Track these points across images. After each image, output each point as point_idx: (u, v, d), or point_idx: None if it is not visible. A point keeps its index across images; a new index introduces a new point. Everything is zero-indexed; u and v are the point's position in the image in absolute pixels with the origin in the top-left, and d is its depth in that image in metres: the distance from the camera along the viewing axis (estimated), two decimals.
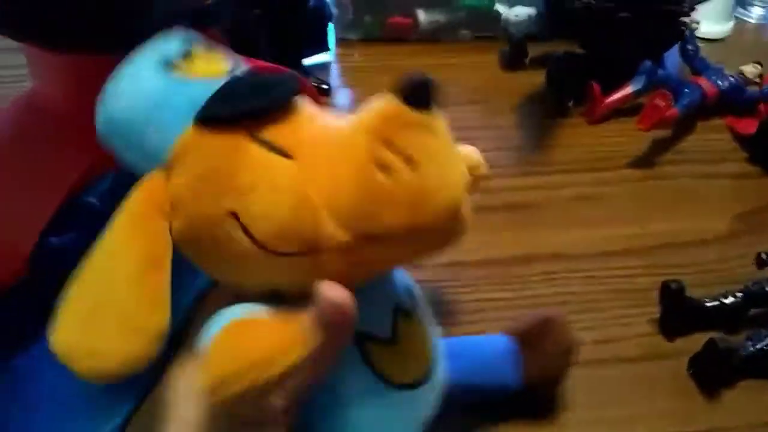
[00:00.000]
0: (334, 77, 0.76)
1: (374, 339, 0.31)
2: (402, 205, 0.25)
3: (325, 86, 0.71)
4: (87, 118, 0.41)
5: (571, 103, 0.71)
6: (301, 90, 0.28)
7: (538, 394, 0.43)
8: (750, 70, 0.72)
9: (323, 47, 0.77)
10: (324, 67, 0.76)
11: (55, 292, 0.47)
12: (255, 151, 0.26)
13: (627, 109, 0.69)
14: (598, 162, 0.64)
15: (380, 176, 0.25)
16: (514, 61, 0.78)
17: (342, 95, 0.73)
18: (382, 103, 0.26)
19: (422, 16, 0.81)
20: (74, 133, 0.40)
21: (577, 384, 0.44)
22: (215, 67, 0.28)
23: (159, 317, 0.26)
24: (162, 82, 0.27)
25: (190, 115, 0.27)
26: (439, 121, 0.26)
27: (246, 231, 0.25)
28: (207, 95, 0.27)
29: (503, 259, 0.53)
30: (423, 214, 0.25)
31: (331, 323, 0.26)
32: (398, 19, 0.81)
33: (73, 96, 0.41)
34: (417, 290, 0.33)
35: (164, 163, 0.27)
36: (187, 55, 0.29)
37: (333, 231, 0.25)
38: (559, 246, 0.54)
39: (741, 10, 0.91)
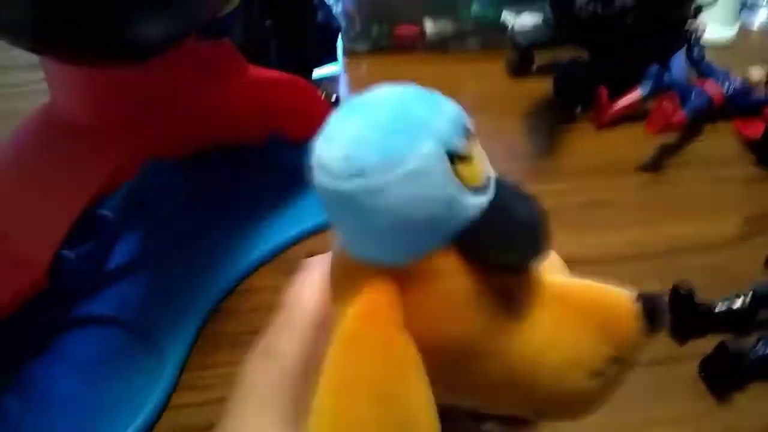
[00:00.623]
0: (343, 88, 0.77)
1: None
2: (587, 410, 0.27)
3: (334, 98, 0.72)
4: (105, 130, 0.42)
5: (578, 109, 0.71)
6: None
7: None
8: (756, 73, 0.72)
9: (332, 59, 0.78)
10: (333, 78, 0.77)
11: (68, 302, 0.48)
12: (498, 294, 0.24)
13: (634, 114, 0.70)
14: (607, 167, 0.64)
15: (592, 383, 0.26)
16: (521, 68, 0.79)
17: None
18: (625, 315, 0.25)
19: (429, 25, 0.82)
20: (92, 145, 0.42)
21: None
22: (477, 177, 0.23)
23: None
24: (450, 190, 0.22)
25: (449, 230, 0.22)
26: None
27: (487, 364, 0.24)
28: (471, 212, 0.22)
29: None
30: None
31: None
32: (406, 29, 0.82)
33: (91, 108, 0.42)
34: None
35: (401, 267, 0.22)
36: (464, 148, 0.22)
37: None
38: (571, 251, 0.54)
39: (745, 14, 0.91)
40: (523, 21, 0.81)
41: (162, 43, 0.42)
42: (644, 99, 0.70)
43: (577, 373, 0.25)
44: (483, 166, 0.23)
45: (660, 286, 0.50)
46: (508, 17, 0.82)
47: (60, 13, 0.35)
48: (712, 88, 0.69)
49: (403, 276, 0.22)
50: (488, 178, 0.23)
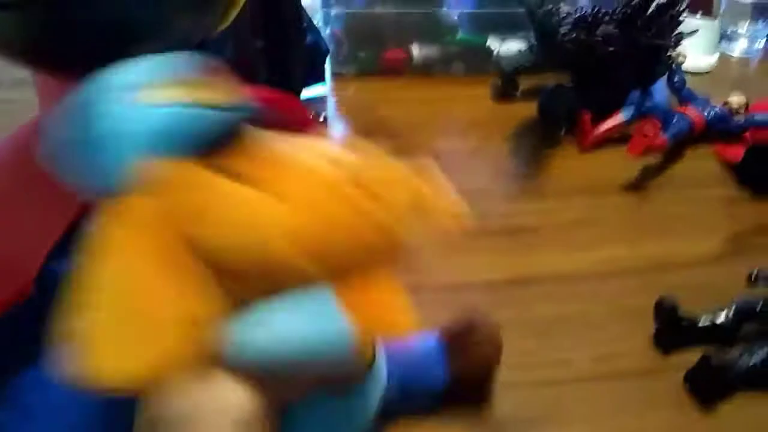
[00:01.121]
0: (331, 109, 0.78)
1: None
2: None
3: (322, 117, 0.73)
4: None
5: (562, 132, 0.72)
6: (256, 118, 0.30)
7: (469, 394, 0.44)
8: (736, 99, 0.74)
9: (320, 80, 0.78)
10: (320, 99, 0.78)
11: (53, 315, 0.48)
12: (214, 179, 0.27)
13: (617, 138, 0.71)
14: (591, 188, 0.65)
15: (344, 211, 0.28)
16: (505, 93, 0.80)
17: (337, 126, 0.75)
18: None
19: (416, 50, 0.83)
20: None
21: (576, 399, 0.45)
22: (173, 94, 0.29)
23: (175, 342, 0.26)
24: (118, 108, 0.28)
25: (144, 141, 0.28)
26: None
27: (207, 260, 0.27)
28: (167, 123, 0.28)
29: (503, 281, 0.54)
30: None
31: None
32: (392, 54, 0.83)
33: None
34: None
35: (122, 188, 0.27)
36: (155, 82, 0.29)
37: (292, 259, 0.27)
38: (557, 268, 0.56)
39: (725, 44, 0.93)
40: (507, 47, 0.83)
41: None
42: (626, 123, 0.71)
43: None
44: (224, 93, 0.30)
45: (645, 301, 0.51)
46: (493, 43, 0.83)
47: (57, 33, 0.36)
48: (694, 113, 0.70)
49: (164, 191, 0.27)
50: (238, 101, 0.30)
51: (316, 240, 0.27)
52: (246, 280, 0.27)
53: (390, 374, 0.35)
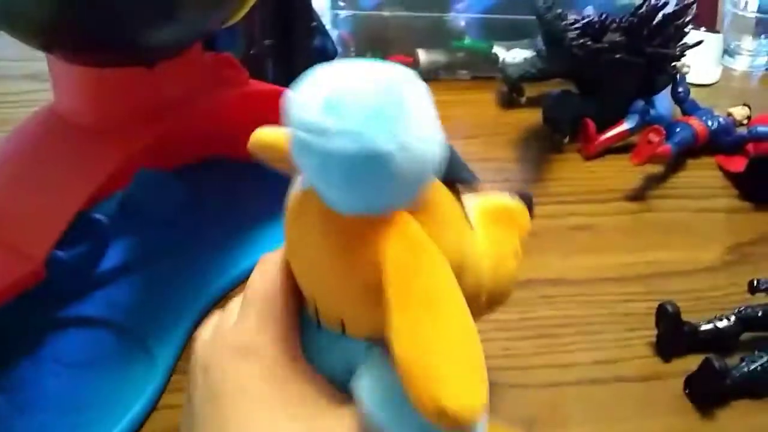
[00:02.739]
0: None
1: None
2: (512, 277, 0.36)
3: None
4: (107, 131, 0.43)
5: (566, 140, 0.73)
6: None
7: None
8: (739, 111, 0.75)
9: None
10: None
11: (59, 303, 0.48)
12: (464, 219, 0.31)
13: (620, 147, 0.72)
14: (594, 195, 0.66)
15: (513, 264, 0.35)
16: (510, 100, 0.81)
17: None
18: (518, 207, 0.37)
19: (422, 56, 0.84)
20: (94, 145, 0.42)
21: (576, 401, 0.45)
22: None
23: None
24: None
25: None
26: None
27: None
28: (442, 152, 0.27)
29: None
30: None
31: None
32: (399, 58, 0.84)
33: (95, 109, 0.43)
34: None
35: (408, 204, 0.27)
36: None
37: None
38: (558, 272, 0.56)
39: (728, 58, 0.94)
40: (513, 55, 0.83)
41: (170, 48, 0.43)
42: (630, 132, 0.72)
43: (511, 260, 0.35)
44: None
45: (645, 307, 0.51)
46: (499, 50, 0.84)
47: (74, 15, 0.36)
48: (697, 124, 0.71)
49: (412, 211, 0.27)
50: None
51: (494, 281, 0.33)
52: None
53: None
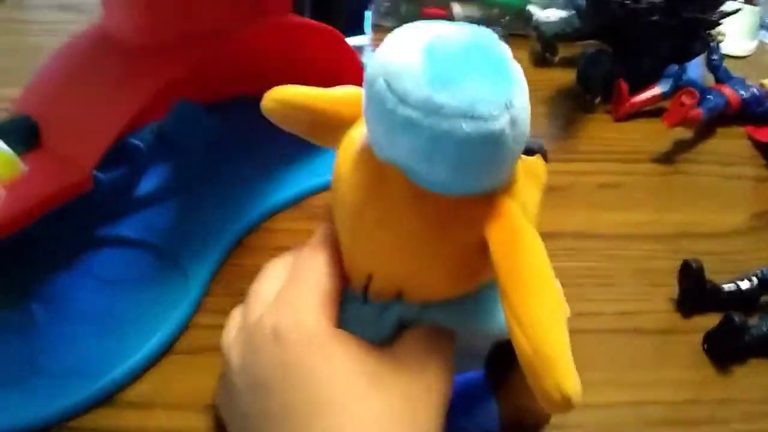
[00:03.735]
0: (369, 59, 0.78)
1: None
2: None
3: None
4: (152, 51, 0.44)
5: (598, 100, 0.73)
6: None
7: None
8: None
9: (360, 31, 0.79)
10: (360, 49, 0.79)
11: (97, 222, 0.49)
12: None
13: (651, 110, 0.72)
14: (622, 155, 0.66)
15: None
16: (544, 59, 0.81)
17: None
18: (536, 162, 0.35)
19: (457, 8, 0.84)
20: (141, 63, 0.43)
21: (596, 348, 0.46)
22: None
23: None
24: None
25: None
26: None
27: None
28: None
29: None
30: None
31: None
32: (433, 10, 0.84)
33: (144, 28, 0.43)
34: None
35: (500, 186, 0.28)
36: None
37: None
38: (583, 226, 0.56)
39: (764, 32, 0.93)
40: (547, 14, 0.83)
41: None
42: (663, 96, 0.72)
43: (535, 215, 0.33)
44: None
45: (668, 265, 0.52)
46: (535, 10, 0.84)
47: None
48: (729, 92, 0.71)
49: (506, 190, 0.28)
50: None
51: None
52: None
53: None
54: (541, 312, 0.25)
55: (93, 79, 0.42)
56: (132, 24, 0.43)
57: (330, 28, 0.54)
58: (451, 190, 0.26)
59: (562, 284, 0.51)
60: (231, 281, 0.48)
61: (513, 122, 0.24)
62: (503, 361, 0.37)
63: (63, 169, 0.38)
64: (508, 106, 0.24)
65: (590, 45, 0.77)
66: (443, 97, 0.23)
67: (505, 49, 0.26)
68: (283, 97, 0.35)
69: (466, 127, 0.23)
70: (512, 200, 0.28)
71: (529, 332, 0.25)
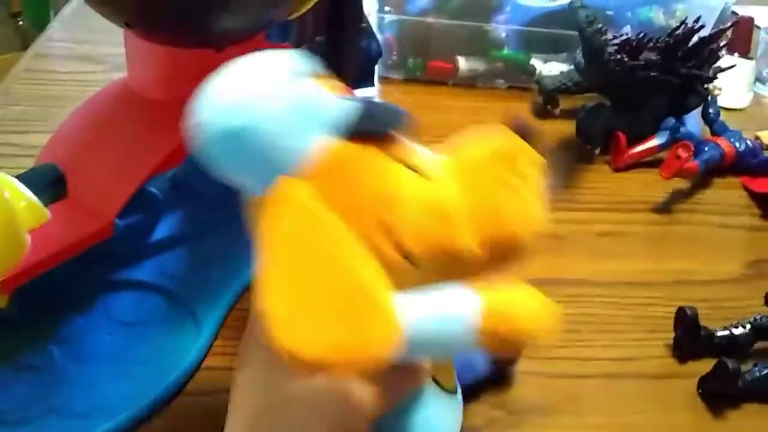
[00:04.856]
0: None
1: None
2: (521, 225, 0.30)
3: None
4: (176, 105, 0.46)
5: (597, 151, 0.75)
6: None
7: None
8: (766, 135, 0.77)
9: (369, 83, 0.82)
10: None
11: (114, 266, 0.51)
12: (401, 170, 0.28)
13: (649, 162, 0.74)
14: (621, 205, 0.68)
15: (510, 200, 0.30)
16: (545, 111, 0.83)
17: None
18: (506, 140, 0.31)
19: (462, 63, 0.86)
20: (162, 117, 0.45)
21: (594, 393, 0.48)
22: (337, 88, 0.30)
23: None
24: (301, 88, 0.28)
25: (328, 126, 0.28)
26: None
27: (395, 243, 0.27)
28: (342, 110, 0.28)
29: (534, 280, 0.55)
30: (530, 235, 0.31)
31: None
32: (439, 64, 0.87)
33: (165, 84, 0.46)
34: None
35: (293, 171, 0.27)
36: (314, 73, 0.29)
37: (473, 246, 0.29)
38: (585, 273, 0.58)
39: (760, 85, 0.96)
40: (549, 68, 0.86)
41: (239, 34, 0.46)
42: (660, 148, 0.74)
43: (513, 203, 0.30)
44: (335, 88, 0.30)
45: (665, 311, 0.53)
46: (537, 63, 0.87)
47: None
48: (725, 144, 0.73)
49: (307, 173, 0.27)
50: (353, 95, 0.31)
51: (487, 228, 0.29)
52: (426, 268, 0.28)
53: None
54: (293, 285, 0.25)
55: (116, 131, 0.44)
56: (154, 81, 0.45)
57: (340, 84, 0.56)
58: (250, 191, 0.29)
59: (564, 330, 0.53)
60: (240, 327, 0.49)
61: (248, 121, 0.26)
62: None
63: (85, 217, 0.41)
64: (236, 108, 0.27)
65: (590, 98, 0.80)
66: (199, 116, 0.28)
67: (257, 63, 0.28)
68: None
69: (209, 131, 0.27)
70: (314, 185, 0.27)
71: (268, 296, 0.25)
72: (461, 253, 0.29)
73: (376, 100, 0.32)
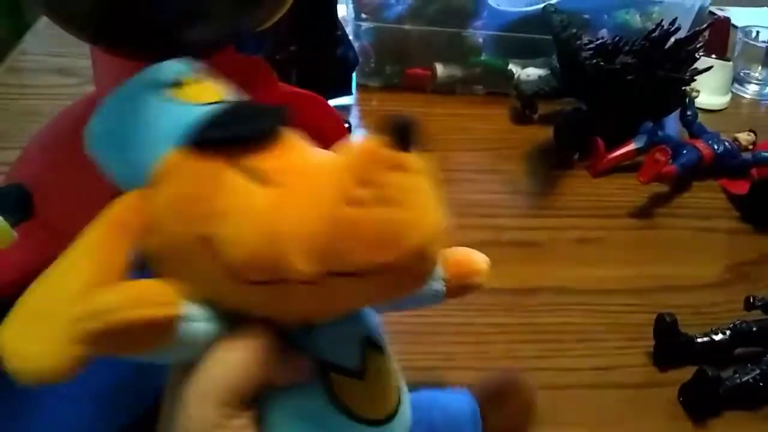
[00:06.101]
0: (354, 118, 0.81)
1: (340, 370, 0.30)
2: (370, 242, 0.24)
3: (347, 125, 0.76)
4: None
5: (576, 156, 0.75)
6: (287, 121, 0.30)
7: None
8: (744, 137, 0.77)
9: (346, 91, 0.82)
10: (345, 109, 0.81)
11: None
12: (233, 177, 0.27)
13: (627, 166, 0.74)
14: (600, 210, 0.68)
15: (350, 212, 0.24)
16: (523, 116, 0.83)
17: (361, 134, 0.77)
18: (364, 142, 0.26)
19: (440, 69, 0.86)
20: None
21: (574, 404, 0.47)
22: (207, 95, 0.31)
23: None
24: (151, 102, 0.30)
25: (176, 137, 0.28)
26: (420, 162, 0.25)
27: (215, 256, 0.26)
28: (194, 119, 0.28)
29: (511, 290, 0.56)
30: (390, 253, 0.24)
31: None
32: (417, 71, 0.86)
33: None
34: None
35: (146, 182, 0.28)
36: (179, 82, 0.31)
37: (300, 263, 0.25)
38: (562, 281, 0.58)
39: (737, 86, 0.96)
40: (527, 72, 0.86)
41: (205, 47, 0.45)
42: (638, 152, 0.74)
43: (336, 207, 0.25)
44: (211, 93, 0.31)
45: (645, 318, 0.53)
46: (514, 68, 0.86)
47: (122, 12, 0.39)
48: (703, 146, 0.73)
49: (150, 187, 0.28)
50: (221, 99, 0.31)
51: (327, 249, 0.25)
52: (254, 288, 0.26)
53: (415, 425, 0.34)
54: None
55: (83, 149, 0.43)
56: None
57: (312, 94, 0.56)
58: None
59: (542, 340, 0.53)
60: None
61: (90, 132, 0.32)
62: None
63: (53, 238, 0.40)
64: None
65: (569, 103, 0.79)
66: None
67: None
68: None
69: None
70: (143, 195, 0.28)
71: None
72: (288, 274, 0.25)
73: (251, 103, 0.33)
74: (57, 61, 0.83)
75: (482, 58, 0.87)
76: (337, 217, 0.25)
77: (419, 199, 0.25)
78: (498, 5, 0.85)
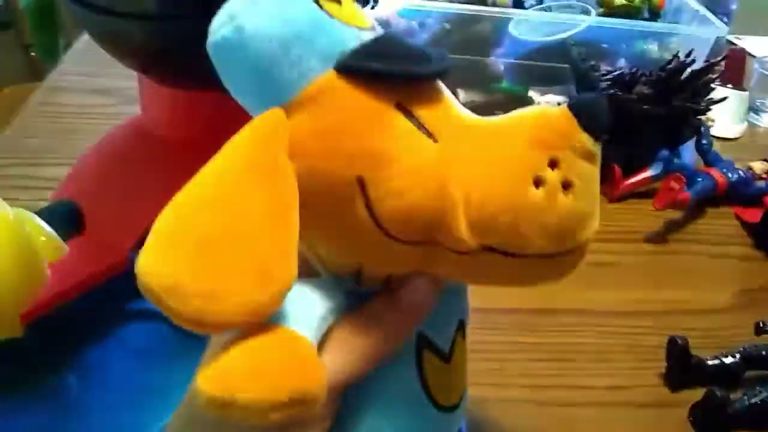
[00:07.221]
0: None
1: (434, 349, 0.29)
2: (552, 233, 0.24)
3: None
4: (187, 143, 0.48)
5: None
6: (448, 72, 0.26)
7: None
8: (759, 166, 0.79)
9: None
10: None
11: (126, 298, 0.53)
12: (400, 121, 0.24)
13: (643, 192, 0.76)
14: (616, 235, 0.70)
15: (537, 195, 0.23)
16: None
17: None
18: (555, 116, 0.24)
19: (461, 95, 0.89)
20: (176, 155, 0.48)
21: (587, 422, 0.49)
22: (359, 20, 0.26)
23: (290, 270, 0.22)
24: (313, 13, 0.24)
25: (335, 57, 0.24)
26: (599, 152, 0.24)
27: (369, 204, 0.23)
28: (356, 42, 0.24)
29: (528, 310, 0.59)
30: (565, 244, 0.24)
31: (408, 326, 0.26)
32: None
33: (178, 124, 0.48)
34: None
35: (287, 102, 0.24)
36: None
37: (465, 232, 0.24)
38: (579, 303, 0.60)
39: (753, 115, 0.98)
40: (546, 99, 0.88)
41: None
42: (654, 179, 0.76)
43: (521, 184, 0.24)
44: (363, 20, 0.26)
45: (657, 341, 0.55)
46: (534, 95, 0.89)
47: (169, 46, 0.42)
48: (718, 174, 0.75)
49: (293, 109, 0.24)
50: (373, 26, 0.26)
51: (501, 227, 0.23)
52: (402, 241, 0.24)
53: None
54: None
55: (131, 168, 0.47)
56: (168, 121, 0.48)
57: None
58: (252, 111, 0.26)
59: (557, 359, 0.55)
60: None
61: (237, 30, 0.24)
62: None
63: (101, 251, 0.43)
64: (231, 18, 0.24)
65: None
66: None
67: None
68: None
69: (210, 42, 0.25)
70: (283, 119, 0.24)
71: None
72: (447, 240, 0.24)
73: (407, 39, 0.26)
74: (95, 81, 0.87)
75: (503, 85, 0.89)
76: (522, 196, 0.23)
77: (595, 192, 0.25)
78: (519, 35, 0.87)
